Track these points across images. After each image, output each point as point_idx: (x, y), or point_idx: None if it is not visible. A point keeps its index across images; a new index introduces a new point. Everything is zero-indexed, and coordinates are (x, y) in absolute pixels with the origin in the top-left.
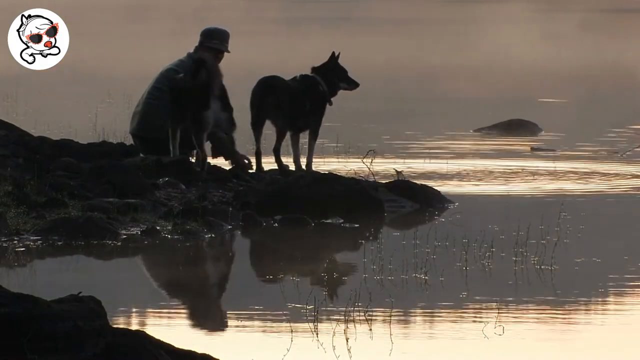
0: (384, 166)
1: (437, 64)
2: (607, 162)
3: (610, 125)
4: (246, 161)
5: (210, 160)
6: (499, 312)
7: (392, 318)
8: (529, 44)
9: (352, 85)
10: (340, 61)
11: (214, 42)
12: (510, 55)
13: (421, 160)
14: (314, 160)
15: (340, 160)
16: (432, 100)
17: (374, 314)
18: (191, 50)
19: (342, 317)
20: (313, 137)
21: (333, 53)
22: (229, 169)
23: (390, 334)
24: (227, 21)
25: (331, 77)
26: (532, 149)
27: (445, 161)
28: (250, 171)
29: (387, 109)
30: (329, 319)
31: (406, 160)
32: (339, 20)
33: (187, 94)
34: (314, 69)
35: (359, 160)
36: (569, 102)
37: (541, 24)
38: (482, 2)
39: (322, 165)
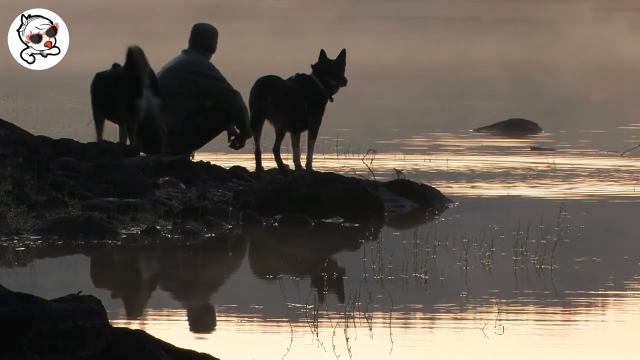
0: (384, 165)
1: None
2: (607, 161)
3: (611, 124)
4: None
5: (211, 159)
6: (499, 312)
7: (392, 318)
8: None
9: (341, 82)
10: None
11: (204, 39)
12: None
13: (421, 159)
14: (313, 159)
15: (340, 159)
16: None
17: (374, 314)
18: (186, 47)
19: (342, 317)
20: (312, 136)
21: (322, 51)
22: (229, 169)
23: (390, 334)
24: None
25: (324, 74)
26: (532, 148)
27: (445, 160)
28: (251, 170)
29: (387, 109)
30: (329, 319)
31: (406, 157)
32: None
33: (118, 84)
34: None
35: (359, 159)
36: (576, 101)
37: (599, 24)
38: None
39: (322, 164)
